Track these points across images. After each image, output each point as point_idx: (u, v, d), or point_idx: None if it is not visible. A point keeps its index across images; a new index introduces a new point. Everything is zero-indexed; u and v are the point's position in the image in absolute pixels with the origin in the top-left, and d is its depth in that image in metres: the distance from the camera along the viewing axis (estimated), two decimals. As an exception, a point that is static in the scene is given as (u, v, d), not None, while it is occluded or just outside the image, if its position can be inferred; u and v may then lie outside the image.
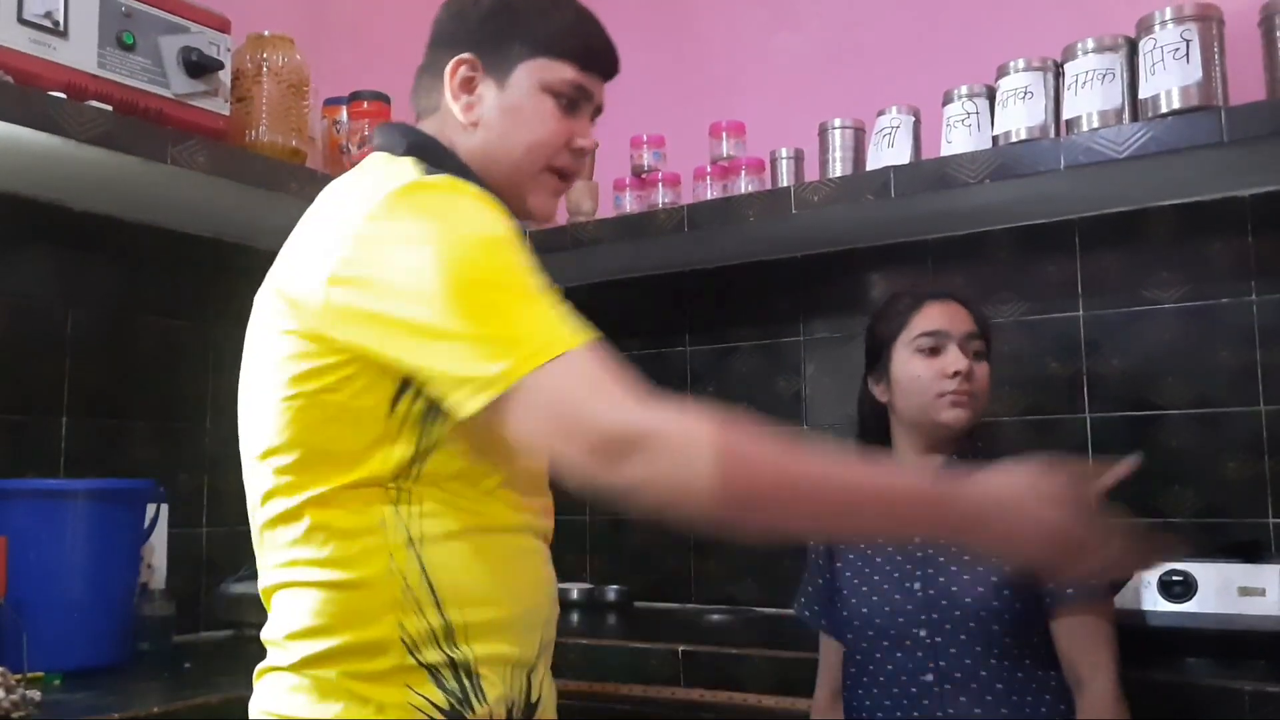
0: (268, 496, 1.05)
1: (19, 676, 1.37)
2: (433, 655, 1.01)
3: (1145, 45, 1.79)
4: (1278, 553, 1.85)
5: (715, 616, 2.33)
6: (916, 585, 1.50)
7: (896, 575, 1.52)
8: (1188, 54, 1.73)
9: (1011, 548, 1.02)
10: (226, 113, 1.79)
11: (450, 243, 0.97)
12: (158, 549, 1.90)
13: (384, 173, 1.06)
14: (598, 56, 1.21)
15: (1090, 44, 1.84)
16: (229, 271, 2.16)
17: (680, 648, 1.85)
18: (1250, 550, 1.72)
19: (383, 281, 0.97)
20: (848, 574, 1.57)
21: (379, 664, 1.00)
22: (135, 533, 1.74)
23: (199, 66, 1.72)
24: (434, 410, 1.00)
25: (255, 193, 1.84)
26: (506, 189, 1.16)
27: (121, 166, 1.68)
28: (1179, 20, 1.75)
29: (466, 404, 0.94)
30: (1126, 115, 1.82)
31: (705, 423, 0.92)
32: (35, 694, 1.37)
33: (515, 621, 1.07)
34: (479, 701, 1.02)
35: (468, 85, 1.17)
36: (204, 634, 2.02)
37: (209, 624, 2.04)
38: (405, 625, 1.01)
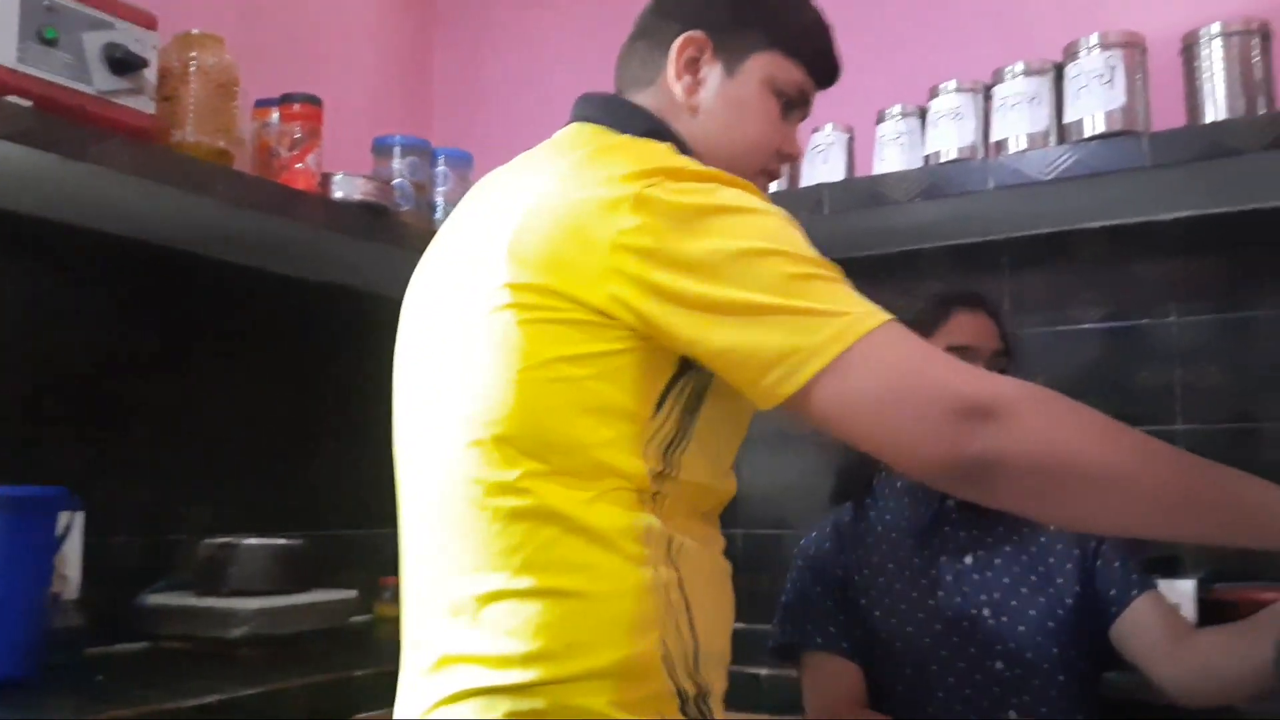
0: (493, 491, 0.92)
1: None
2: (685, 681, 0.92)
3: (1071, 71, 1.83)
4: (1192, 569, 1.89)
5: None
6: (986, 612, 1.42)
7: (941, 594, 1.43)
8: (1112, 80, 1.77)
9: None
10: (151, 111, 1.74)
11: (747, 220, 0.91)
12: (70, 558, 1.84)
13: (642, 149, 0.98)
14: (828, 64, 1.18)
15: (1019, 68, 1.88)
16: (153, 274, 2.11)
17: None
18: (1167, 566, 1.76)
19: (685, 254, 0.88)
20: (878, 594, 1.47)
21: (636, 688, 0.90)
22: (46, 542, 1.69)
23: (124, 64, 1.68)
24: (695, 406, 0.95)
25: (181, 194, 1.80)
26: None
27: (40, 164, 1.63)
28: (1104, 47, 1.79)
29: (788, 380, 0.87)
30: (1053, 138, 1.86)
31: (1053, 394, 0.88)
32: (-66, 708, 1.32)
33: (728, 650, 1.02)
34: None
35: (693, 66, 1.11)
36: (119, 646, 1.96)
37: (125, 636, 1.98)
38: (669, 644, 0.91)
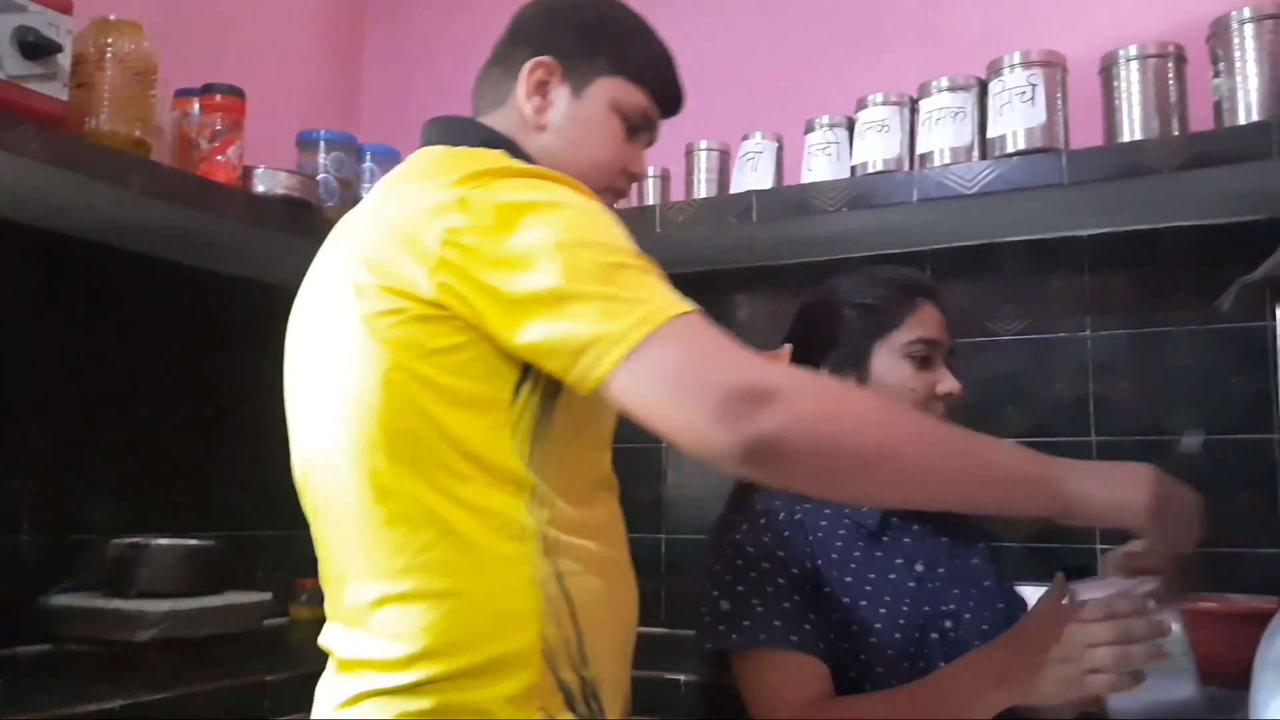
0: (372, 496, 0.96)
1: None
2: (568, 674, 0.96)
3: (994, 87, 1.86)
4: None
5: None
6: (948, 624, 1.35)
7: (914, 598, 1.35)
8: (1033, 97, 1.81)
9: (1131, 508, 1.04)
10: (64, 98, 1.69)
11: (563, 213, 0.95)
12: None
13: (474, 156, 1.03)
14: (671, 93, 1.26)
15: (944, 83, 1.91)
16: (68, 266, 2.05)
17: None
18: (1079, 574, 1.80)
19: (503, 250, 0.93)
20: (857, 596, 1.34)
21: (516, 681, 0.93)
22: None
23: (35, 48, 1.62)
24: (555, 390, 0.98)
25: (95, 184, 1.74)
26: None
27: (-57, 150, 1.57)
28: (1026, 65, 1.83)
29: (596, 366, 0.90)
30: (976, 153, 1.89)
31: (828, 379, 0.96)
32: None
33: (626, 642, 1.06)
34: None
35: (542, 88, 1.18)
36: (20, 649, 1.90)
37: (28, 638, 1.92)
38: (548, 637, 0.95)
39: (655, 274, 0.96)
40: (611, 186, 1.22)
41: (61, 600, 1.90)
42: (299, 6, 2.69)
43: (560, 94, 1.19)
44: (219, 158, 1.97)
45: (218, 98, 2.00)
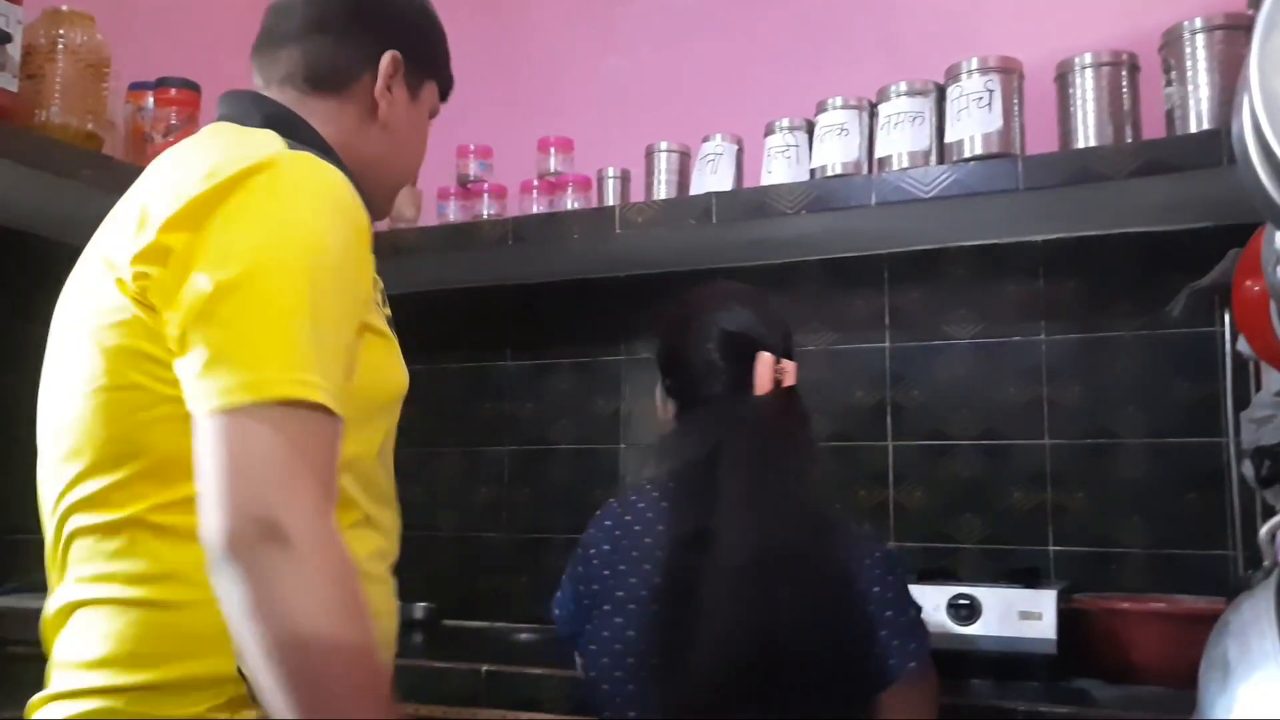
0: (77, 505, 0.95)
1: None
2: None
3: (952, 92, 1.88)
4: (1055, 578, 1.97)
5: (524, 636, 2.30)
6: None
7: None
8: (990, 103, 1.83)
9: None
10: (14, 89, 1.66)
11: (281, 235, 0.89)
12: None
13: (236, 140, 0.98)
14: (446, 97, 1.27)
15: (903, 87, 1.93)
16: (14, 260, 2.01)
17: (484, 667, 1.82)
18: (1030, 576, 1.82)
19: (199, 249, 0.87)
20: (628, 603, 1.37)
21: (200, 703, 0.89)
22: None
23: (-16, 38, 1.59)
24: None
25: (43, 177, 1.71)
26: (382, 191, 1.15)
27: (-113, 140, 1.54)
28: (983, 71, 1.85)
29: (197, 401, 0.85)
30: (934, 157, 1.90)
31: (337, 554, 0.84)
32: None
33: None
34: None
35: (387, 81, 1.14)
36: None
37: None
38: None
39: (328, 334, 0.92)
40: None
41: (3, 602, 1.87)
42: (251, 6, 2.66)
43: (400, 92, 1.15)
44: (172, 153, 1.94)
45: (172, 92, 1.98)
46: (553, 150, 2.37)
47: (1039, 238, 2.09)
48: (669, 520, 1.32)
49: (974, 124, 1.83)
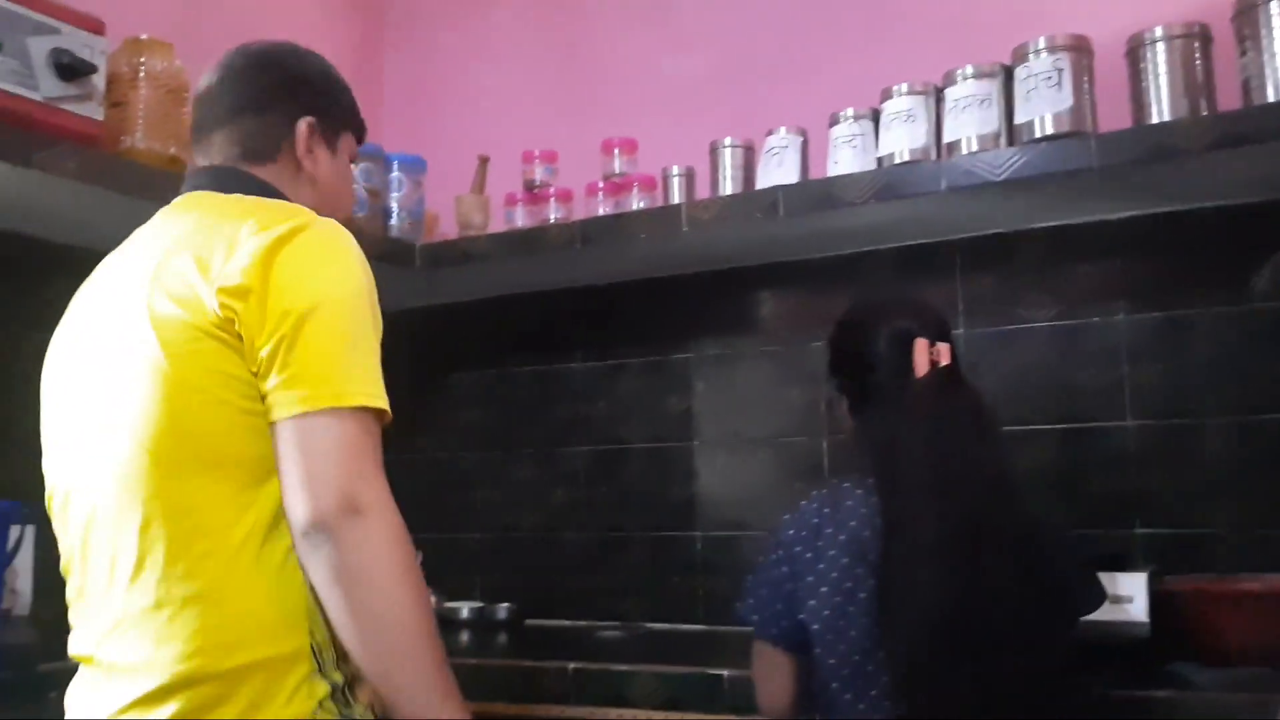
0: (164, 510, 1.06)
1: None
2: (334, 672, 1.09)
3: (1020, 73, 1.86)
4: (1144, 562, 1.93)
5: (606, 633, 2.33)
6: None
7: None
8: (1060, 82, 1.81)
9: None
10: (100, 117, 1.71)
11: (334, 277, 1.11)
12: (22, 573, 1.80)
13: (253, 204, 1.19)
14: (362, 136, 1.45)
15: (970, 70, 1.91)
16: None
17: (571, 665, 1.84)
18: (1118, 560, 1.79)
19: (274, 289, 1.07)
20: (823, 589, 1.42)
21: (289, 680, 1.05)
22: (-4, 556, 1.66)
23: (71, 69, 1.65)
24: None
25: (130, 201, 1.76)
26: None
27: (-16, 171, 1.60)
28: (1052, 50, 1.83)
29: (286, 406, 1.05)
30: (1003, 140, 1.89)
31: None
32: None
33: None
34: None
35: (307, 144, 1.31)
36: (72, 662, 1.92)
37: (77, 651, 1.94)
38: (315, 635, 1.08)
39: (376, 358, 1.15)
40: None
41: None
42: (320, 18, 2.72)
43: (321, 150, 1.33)
44: (250, 171, 1.99)
45: (247, 112, 2.02)
46: (617, 151, 2.38)
47: (1115, 217, 2.05)
48: (866, 507, 1.39)
49: (1044, 104, 1.81)
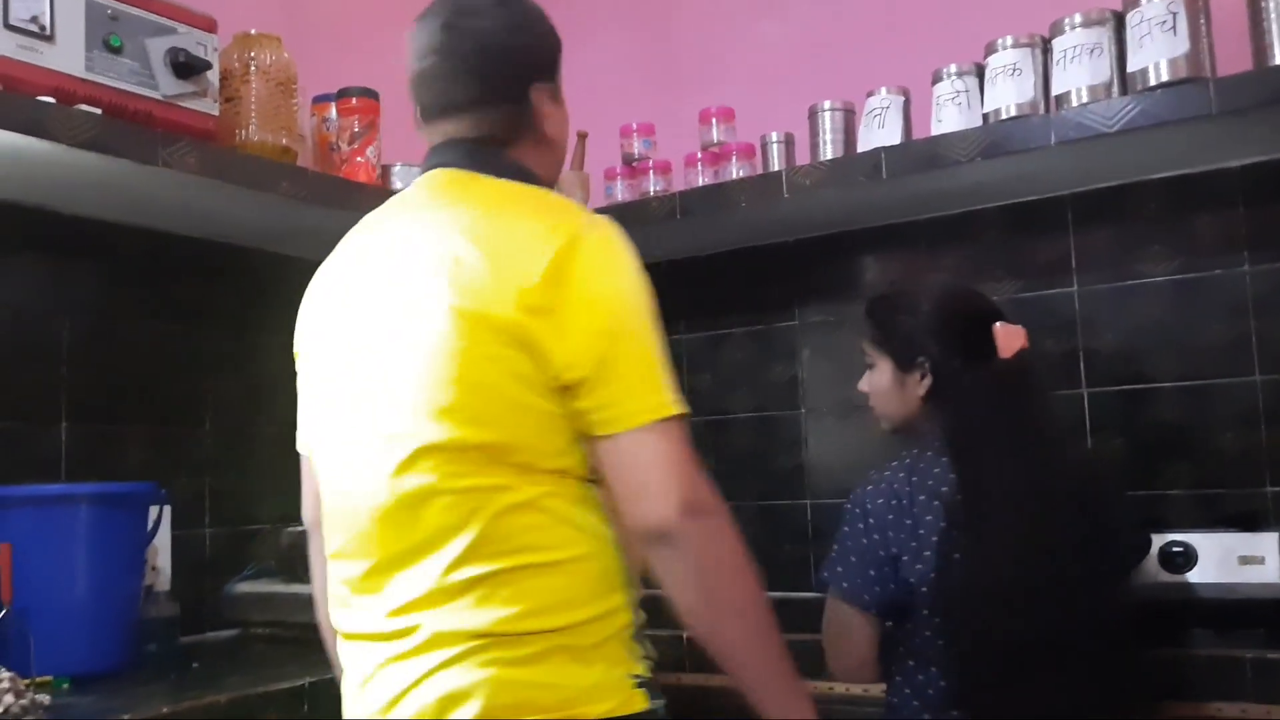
0: (502, 491, 1.11)
1: (27, 681, 1.37)
2: (638, 617, 1.19)
3: (1132, 19, 1.79)
4: (1275, 521, 1.86)
5: (719, 602, 2.34)
6: None
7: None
8: (1174, 26, 1.74)
9: None
10: (215, 113, 1.78)
11: (625, 287, 1.17)
12: (161, 551, 1.90)
13: (529, 196, 1.22)
14: None
15: (1078, 19, 1.85)
16: (222, 273, 2.16)
17: (685, 634, 1.86)
18: (1248, 520, 1.73)
19: (573, 303, 1.11)
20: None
21: (612, 625, 1.15)
22: (138, 536, 1.74)
23: (187, 67, 1.71)
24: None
25: (246, 193, 1.83)
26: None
27: (111, 170, 1.68)
28: (1165, -7, 1.75)
29: (615, 423, 1.12)
30: (1115, 89, 1.82)
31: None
32: (44, 698, 1.37)
33: None
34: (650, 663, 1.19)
35: (543, 110, 1.30)
36: (210, 634, 2.03)
37: (214, 624, 2.04)
38: (631, 594, 1.18)
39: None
40: None
41: (244, 588, 2.02)
42: (418, 2, 2.76)
43: (551, 109, 1.32)
44: (359, 159, 2.05)
45: (353, 100, 2.07)
46: (714, 120, 2.37)
47: (1236, 163, 1.97)
48: (953, 474, 1.45)
49: (1158, 49, 1.74)
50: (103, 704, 1.44)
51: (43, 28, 1.56)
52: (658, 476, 1.11)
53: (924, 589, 1.43)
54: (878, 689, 1.61)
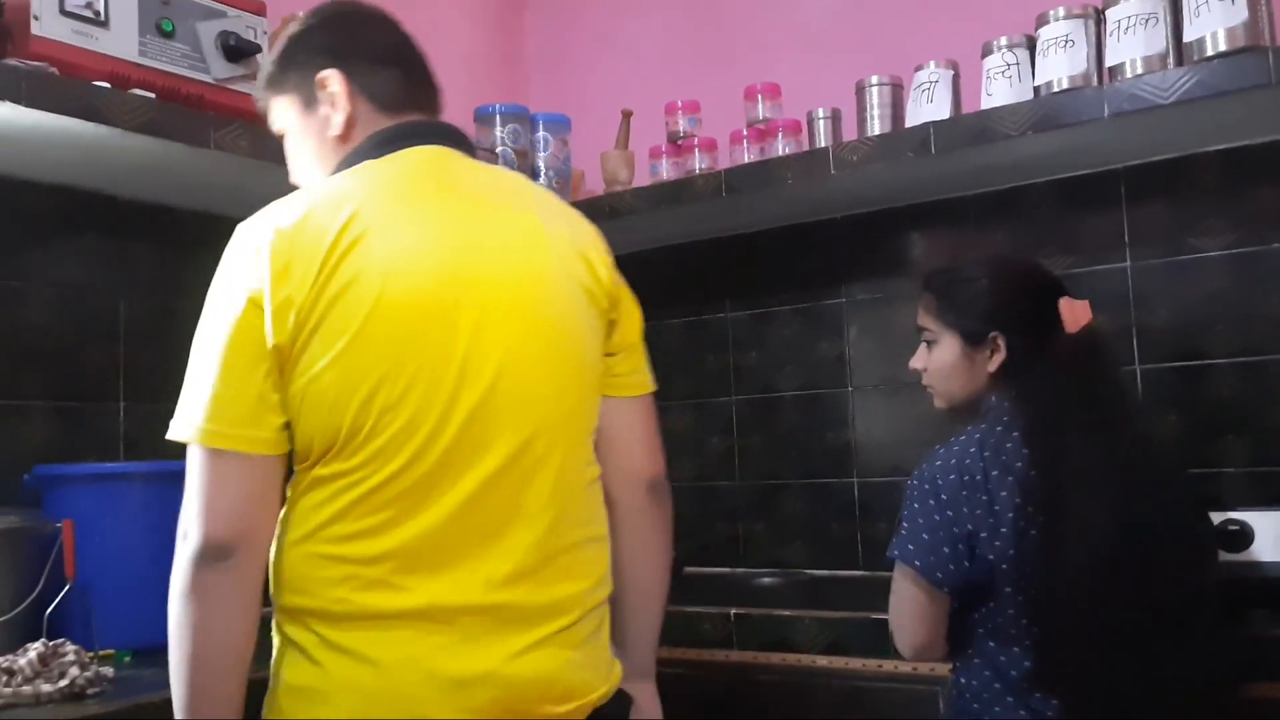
0: (586, 464, 1.20)
1: (91, 654, 1.41)
2: None
3: (1189, -13, 1.75)
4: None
5: (765, 580, 2.35)
6: None
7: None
8: (1233, -6, 1.70)
9: None
10: (265, 95, 1.79)
11: None
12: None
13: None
14: None
15: (1132, -12, 1.81)
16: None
17: (732, 611, 1.87)
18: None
19: (624, 293, 1.29)
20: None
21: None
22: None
23: (237, 51, 1.73)
24: None
25: (298, 174, 1.85)
26: None
27: (165, 153, 1.70)
28: (1223, -40, 1.71)
29: (640, 387, 1.32)
30: (1171, 60, 1.78)
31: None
32: (108, 670, 1.41)
33: None
34: None
35: None
36: (266, 609, 2.06)
37: (267, 598, 2.07)
38: None
39: None
40: None
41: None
42: (462, -15, 2.77)
43: None
44: (405, 139, 2.05)
45: (399, 81, 2.08)
46: (760, 97, 2.36)
47: (1296, 134, 1.92)
48: (1026, 449, 1.42)
49: (1216, 18, 1.70)
50: (164, 676, 1.47)
51: (97, 14, 1.58)
52: (656, 435, 1.31)
53: (1004, 566, 1.39)
54: (939, 669, 1.62)
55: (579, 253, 1.21)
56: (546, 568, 1.11)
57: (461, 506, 1.08)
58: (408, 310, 1.07)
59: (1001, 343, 1.51)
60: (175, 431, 1.10)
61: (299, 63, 1.25)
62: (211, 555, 1.07)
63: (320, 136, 1.24)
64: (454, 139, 1.25)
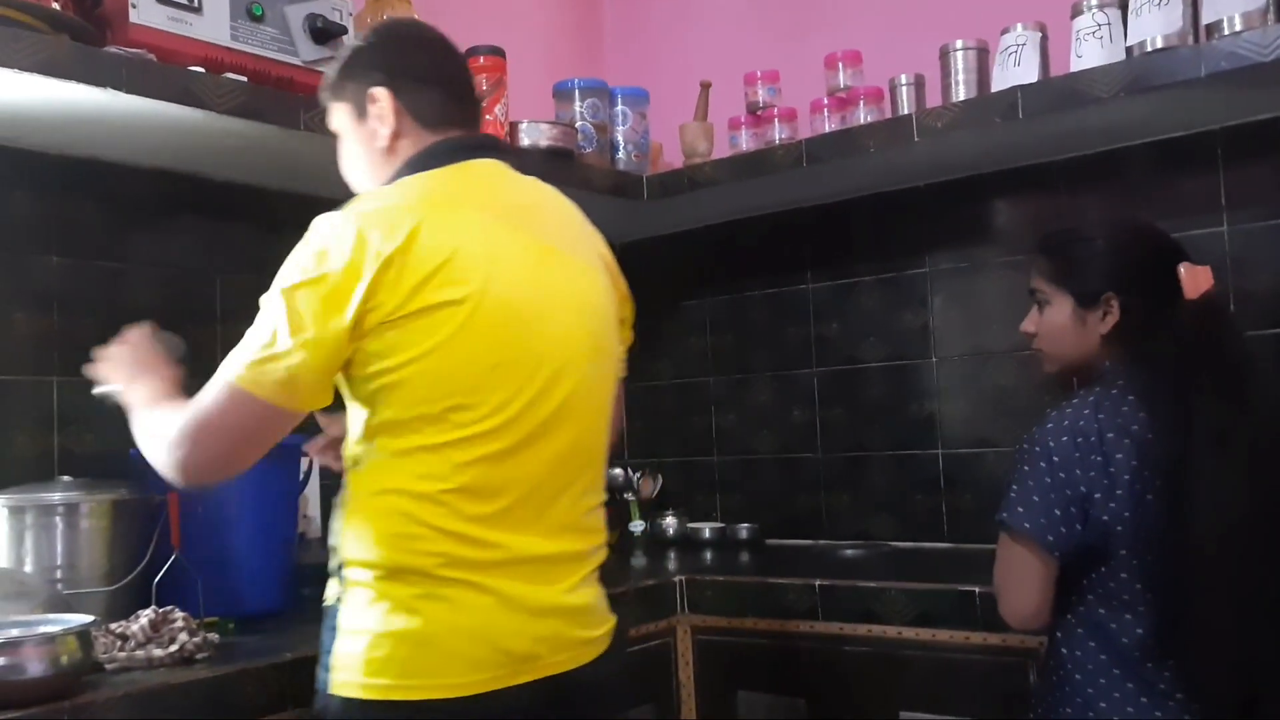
0: (606, 445, 1.39)
1: (198, 622, 1.47)
2: None
3: (1292, -61, 1.68)
4: None
5: (849, 551, 2.34)
6: None
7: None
8: (1340, -55, 1.63)
9: None
10: (352, 76, 1.82)
11: None
12: (312, 500, 1.99)
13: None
14: None
15: (1230, -58, 1.75)
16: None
17: (817, 582, 1.87)
18: None
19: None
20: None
21: None
22: (292, 485, 1.83)
23: (324, 33, 1.76)
24: None
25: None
26: None
27: (258, 135, 1.74)
28: (1330, -91, 1.64)
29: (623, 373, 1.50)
30: (1271, 16, 1.72)
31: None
32: (214, 637, 1.47)
33: None
34: None
35: None
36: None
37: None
38: None
39: None
40: None
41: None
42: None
43: None
44: (487, 116, 2.08)
45: (481, 59, 2.10)
46: (840, 65, 2.33)
47: None
48: (1143, 413, 1.39)
49: (1321, -29, 1.64)
50: (268, 643, 1.53)
51: (191, 0, 1.62)
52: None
53: (1119, 529, 1.36)
54: (1028, 641, 1.61)
55: (605, 262, 1.42)
56: (582, 523, 1.33)
57: (540, 479, 1.27)
58: (506, 308, 1.24)
59: (1115, 304, 1.46)
60: None
61: (356, 76, 1.38)
62: (191, 483, 1.32)
63: (369, 145, 1.37)
64: (504, 153, 1.41)
